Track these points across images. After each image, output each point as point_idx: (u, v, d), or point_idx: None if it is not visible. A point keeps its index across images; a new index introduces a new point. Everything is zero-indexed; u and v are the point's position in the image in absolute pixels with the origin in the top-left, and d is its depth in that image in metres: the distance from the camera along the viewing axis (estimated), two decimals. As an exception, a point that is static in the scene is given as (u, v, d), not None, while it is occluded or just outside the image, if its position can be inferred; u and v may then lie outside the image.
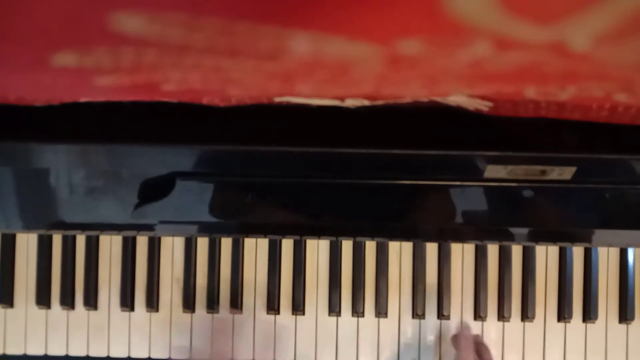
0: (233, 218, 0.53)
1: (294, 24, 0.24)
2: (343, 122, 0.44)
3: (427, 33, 0.24)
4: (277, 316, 0.65)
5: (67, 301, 0.65)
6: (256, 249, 0.65)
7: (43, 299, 0.65)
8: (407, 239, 0.63)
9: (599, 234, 0.55)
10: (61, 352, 0.65)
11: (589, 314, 0.63)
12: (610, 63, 0.26)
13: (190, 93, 0.35)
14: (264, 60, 0.27)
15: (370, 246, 0.65)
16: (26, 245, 0.66)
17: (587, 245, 0.63)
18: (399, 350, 0.64)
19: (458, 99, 0.39)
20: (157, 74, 0.29)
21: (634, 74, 0.28)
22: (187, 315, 0.65)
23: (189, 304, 0.64)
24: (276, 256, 0.65)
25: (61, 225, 0.55)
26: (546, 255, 0.64)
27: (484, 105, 0.40)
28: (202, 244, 0.65)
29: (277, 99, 0.39)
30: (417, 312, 0.64)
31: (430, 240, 0.63)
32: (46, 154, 0.49)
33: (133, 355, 0.65)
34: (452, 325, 0.64)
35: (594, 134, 0.44)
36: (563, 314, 0.64)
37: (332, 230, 0.57)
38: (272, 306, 0.64)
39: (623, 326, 0.64)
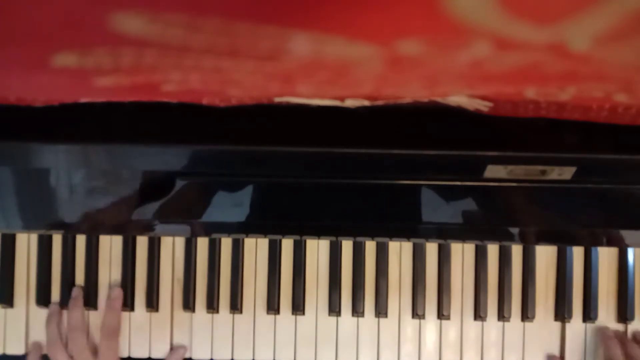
0: (233, 218, 0.53)
1: (294, 24, 0.24)
2: (343, 122, 0.44)
3: (427, 34, 0.24)
4: (277, 316, 0.65)
5: (67, 301, 0.65)
6: (256, 249, 0.65)
7: (43, 299, 0.65)
8: (407, 239, 0.63)
9: (599, 234, 0.55)
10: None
11: (588, 314, 0.63)
12: (610, 63, 0.26)
13: (190, 93, 0.35)
14: (264, 61, 0.27)
15: (370, 246, 0.65)
16: (26, 245, 0.66)
17: (587, 245, 0.63)
18: (399, 350, 0.64)
19: (458, 99, 0.40)
20: (157, 74, 0.29)
21: (634, 74, 0.28)
22: (187, 315, 0.65)
23: (189, 304, 0.64)
24: (276, 256, 0.65)
25: (61, 225, 0.55)
26: (546, 255, 0.64)
27: (484, 106, 0.40)
28: (202, 244, 0.65)
29: (277, 99, 0.39)
30: (417, 312, 0.64)
31: (431, 240, 0.63)
32: (46, 154, 0.49)
33: (133, 355, 0.65)
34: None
35: (594, 134, 0.44)
36: (563, 314, 0.64)
37: (332, 230, 0.57)
38: (272, 306, 0.64)
39: (623, 326, 0.64)
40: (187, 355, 0.65)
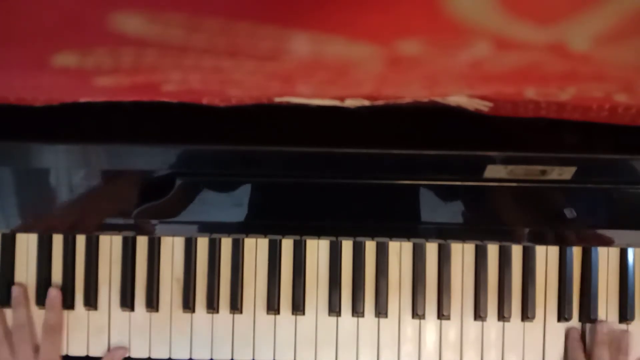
0: (233, 218, 0.53)
1: (294, 24, 0.24)
2: (343, 122, 0.44)
3: (427, 33, 0.24)
4: (277, 316, 0.65)
5: (67, 301, 0.65)
6: (256, 249, 0.65)
7: (43, 299, 0.65)
8: (407, 239, 0.63)
9: (598, 234, 0.55)
10: (61, 352, 0.65)
11: (588, 314, 0.63)
12: (610, 63, 0.26)
13: (190, 93, 0.35)
14: (264, 61, 0.27)
15: (370, 246, 0.65)
16: (26, 245, 0.66)
17: (587, 245, 0.63)
18: (399, 350, 0.64)
19: (458, 99, 0.40)
20: (157, 74, 0.29)
21: (634, 75, 0.28)
22: (187, 315, 0.65)
23: (189, 304, 0.64)
24: (276, 256, 0.65)
25: (62, 226, 0.55)
26: (546, 255, 0.64)
27: (484, 106, 0.40)
28: (202, 244, 0.65)
29: (277, 99, 0.39)
30: (417, 312, 0.64)
31: (431, 240, 0.63)
32: (46, 154, 0.49)
33: (133, 355, 0.65)
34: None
35: (594, 134, 0.44)
36: (563, 314, 0.64)
37: (332, 230, 0.57)
38: (272, 306, 0.64)
39: (623, 326, 0.64)
40: (187, 356, 0.65)
